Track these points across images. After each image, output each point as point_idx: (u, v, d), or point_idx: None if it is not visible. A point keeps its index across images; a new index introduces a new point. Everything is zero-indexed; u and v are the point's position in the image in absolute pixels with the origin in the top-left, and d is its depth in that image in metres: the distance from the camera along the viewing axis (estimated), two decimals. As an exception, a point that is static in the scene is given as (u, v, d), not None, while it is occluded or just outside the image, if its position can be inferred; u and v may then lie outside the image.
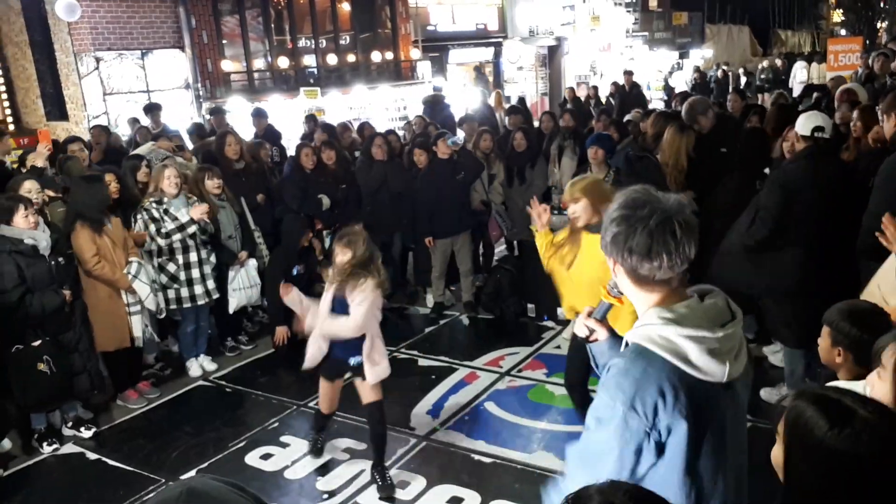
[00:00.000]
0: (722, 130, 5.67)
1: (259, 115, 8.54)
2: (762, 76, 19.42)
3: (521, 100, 14.02)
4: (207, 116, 10.25)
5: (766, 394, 4.67)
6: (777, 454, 1.54)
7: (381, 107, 12.16)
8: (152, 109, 8.64)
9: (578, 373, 3.93)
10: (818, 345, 2.60)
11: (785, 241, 4.25)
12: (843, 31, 33.72)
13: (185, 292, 5.34)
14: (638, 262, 1.64)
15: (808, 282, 4.23)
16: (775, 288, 4.40)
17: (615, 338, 1.94)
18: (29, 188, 4.88)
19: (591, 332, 1.96)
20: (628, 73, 14.23)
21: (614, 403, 1.62)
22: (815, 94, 8.15)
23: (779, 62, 20.61)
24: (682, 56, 23.94)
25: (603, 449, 1.64)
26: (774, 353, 5.16)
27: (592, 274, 3.42)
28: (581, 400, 3.99)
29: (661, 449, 1.63)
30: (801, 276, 4.26)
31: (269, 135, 8.07)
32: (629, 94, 13.38)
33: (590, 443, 1.69)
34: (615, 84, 14.29)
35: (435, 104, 9.87)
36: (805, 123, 4.27)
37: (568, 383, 4.14)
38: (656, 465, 1.65)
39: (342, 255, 3.78)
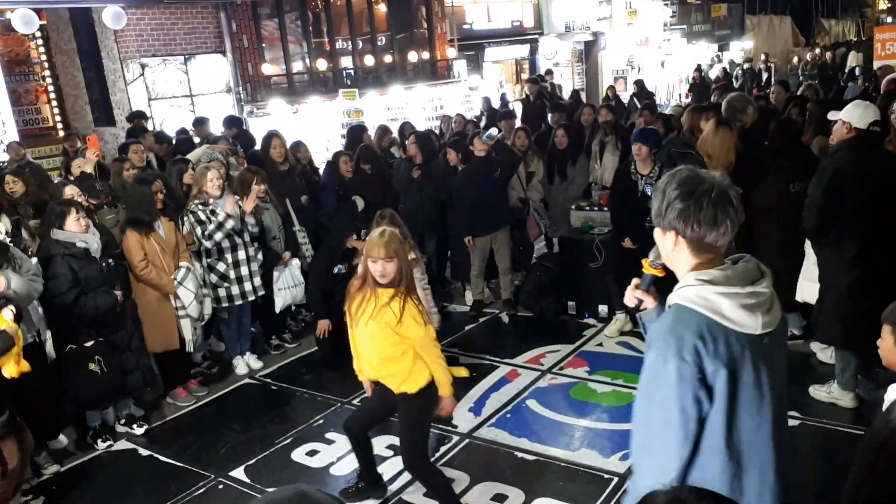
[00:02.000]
0: (764, 124, 5.58)
1: (231, 123, 8.46)
2: (805, 71, 18.73)
3: (575, 93, 14.06)
4: (250, 121, 10.44)
5: (814, 391, 4.58)
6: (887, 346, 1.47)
7: (418, 106, 12.22)
8: (200, 123, 8.72)
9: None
10: (876, 346, 2.55)
11: (841, 236, 4.16)
12: (889, 19, 32.72)
13: (235, 290, 5.47)
14: (706, 231, 1.82)
15: (864, 279, 4.14)
16: (830, 285, 4.32)
17: (661, 306, 2.08)
18: (70, 193, 5.04)
19: (640, 302, 2.15)
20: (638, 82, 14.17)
21: (665, 359, 1.76)
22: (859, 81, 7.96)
23: (829, 55, 19.95)
24: (721, 49, 23.49)
25: (666, 408, 1.77)
26: (823, 350, 5.05)
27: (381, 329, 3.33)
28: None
29: (710, 395, 1.77)
30: (856, 274, 4.17)
31: (244, 141, 7.90)
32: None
33: (652, 412, 1.81)
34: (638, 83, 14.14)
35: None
36: (862, 116, 4.18)
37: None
38: (710, 415, 1.79)
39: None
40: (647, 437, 1.84)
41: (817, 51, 20.45)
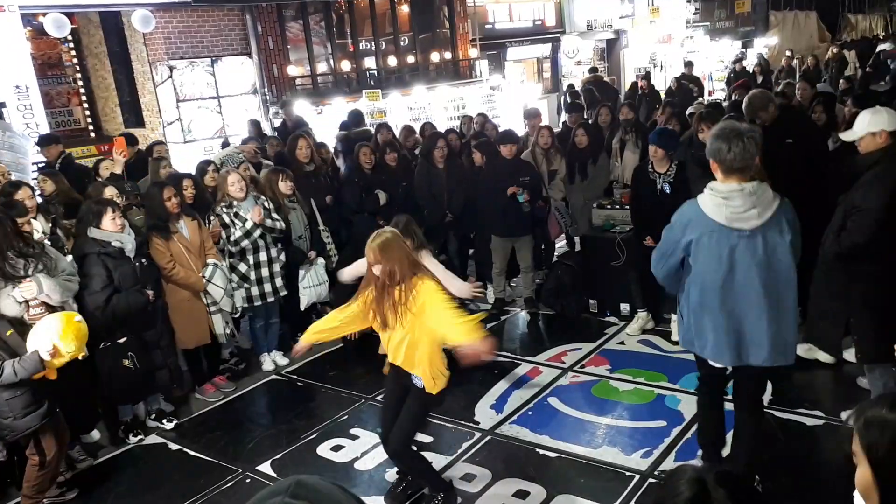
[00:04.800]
0: (786, 121, 5.56)
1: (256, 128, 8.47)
2: (830, 70, 18.34)
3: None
4: (275, 122, 10.59)
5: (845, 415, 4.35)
6: (862, 475, 1.44)
7: (441, 106, 12.29)
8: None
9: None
10: None
11: (881, 248, 3.94)
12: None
13: (255, 291, 5.58)
14: (732, 160, 3.16)
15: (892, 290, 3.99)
16: (871, 300, 4.06)
17: None
18: (110, 194, 5.18)
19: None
20: (645, 77, 14.12)
21: (674, 219, 3.42)
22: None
23: (849, 54, 19.63)
24: (745, 45, 23.24)
25: (664, 238, 3.48)
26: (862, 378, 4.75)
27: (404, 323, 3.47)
28: None
29: (687, 252, 3.35)
30: (887, 286, 3.99)
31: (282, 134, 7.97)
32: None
33: (662, 241, 3.51)
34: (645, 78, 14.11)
35: None
36: (890, 118, 4.00)
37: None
38: (687, 262, 3.38)
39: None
40: (662, 241, 3.50)
41: (834, 49, 20.17)
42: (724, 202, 3.17)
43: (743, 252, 3.19)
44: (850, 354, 4.93)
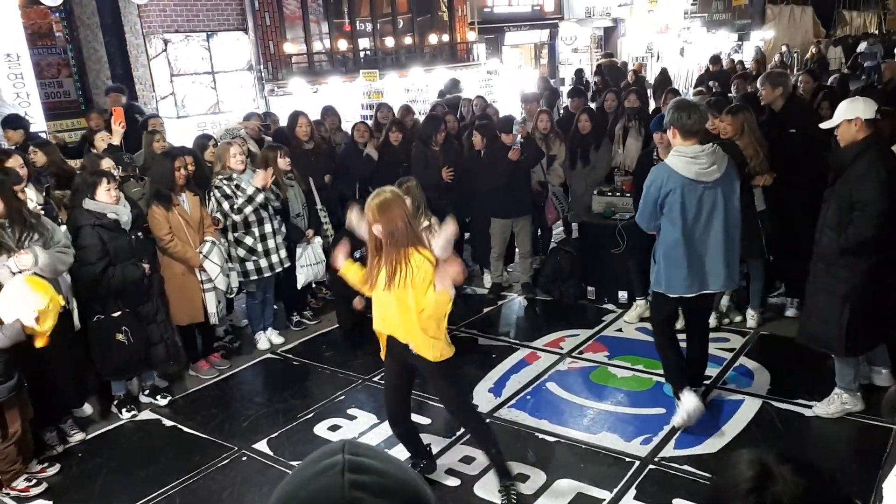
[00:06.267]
0: (791, 111, 5.54)
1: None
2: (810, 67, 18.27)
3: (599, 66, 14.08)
4: (270, 99, 10.46)
5: (822, 410, 4.33)
6: None
7: (437, 89, 12.17)
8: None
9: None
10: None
11: (887, 236, 3.93)
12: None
13: (263, 262, 5.53)
14: (691, 125, 3.94)
15: (872, 284, 4.01)
16: (867, 291, 4.05)
17: None
18: (108, 166, 5.09)
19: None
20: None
21: (649, 181, 4.05)
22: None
23: (835, 50, 19.69)
24: (741, 38, 23.27)
25: (643, 198, 4.09)
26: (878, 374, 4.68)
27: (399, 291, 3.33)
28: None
29: (661, 208, 4.01)
30: (867, 280, 4.00)
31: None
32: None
33: (641, 200, 4.14)
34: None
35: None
36: (867, 106, 3.98)
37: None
38: (664, 209, 4.01)
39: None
40: (641, 205, 4.15)
41: (813, 49, 20.26)
42: (693, 160, 3.93)
43: (707, 200, 3.98)
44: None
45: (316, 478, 0.82)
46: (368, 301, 3.80)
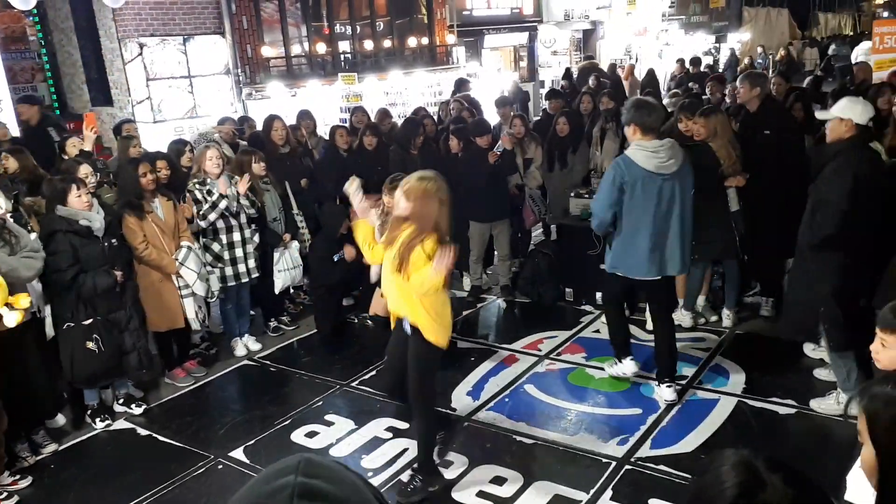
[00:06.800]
0: (766, 112, 5.59)
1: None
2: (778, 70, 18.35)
3: (568, 70, 14.10)
4: (248, 104, 10.40)
5: (820, 405, 4.39)
6: (867, 455, 1.41)
7: (417, 92, 12.18)
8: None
9: None
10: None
11: (853, 236, 3.98)
12: (885, 14, 32.73)
13: (229, 271, 5.46)
14: (651, 122, 4.27)
15: (857, 280, 4.05)
16: (841, 290, 4.10)
17: None
18: (85, 172, 5.03)
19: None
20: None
21: (609, 174, 4.30)
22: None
23: (812, 51, 19.96)
24: (718, 40, 23.49)
25: (602, 187, 4.35)
26: (814, 349, 5.00)
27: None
28: None
29: (622, 193, 4.24)
30: (851, 274, 4.05)
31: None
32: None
33: (598, 194, 4.43)
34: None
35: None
36: (864, 112, 4.06)
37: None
38: (624, 202, 4.26)
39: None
40: (600, 194, 4.38)
41: (783, 51, 20.51)
42: (653, 154, 4.23)
43: (666, 191, 4.26)
44: (807, 349, 5.06)
45: (265, 501, 0.79)
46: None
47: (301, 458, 0.83)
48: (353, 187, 3.85)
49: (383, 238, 3.73)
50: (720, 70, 15.87)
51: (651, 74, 13.18)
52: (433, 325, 3.61)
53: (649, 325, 5.63)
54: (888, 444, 1.36)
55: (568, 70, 14.97)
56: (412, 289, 3.52)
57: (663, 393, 4.59)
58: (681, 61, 14.27)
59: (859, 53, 16.26)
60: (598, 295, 6.27)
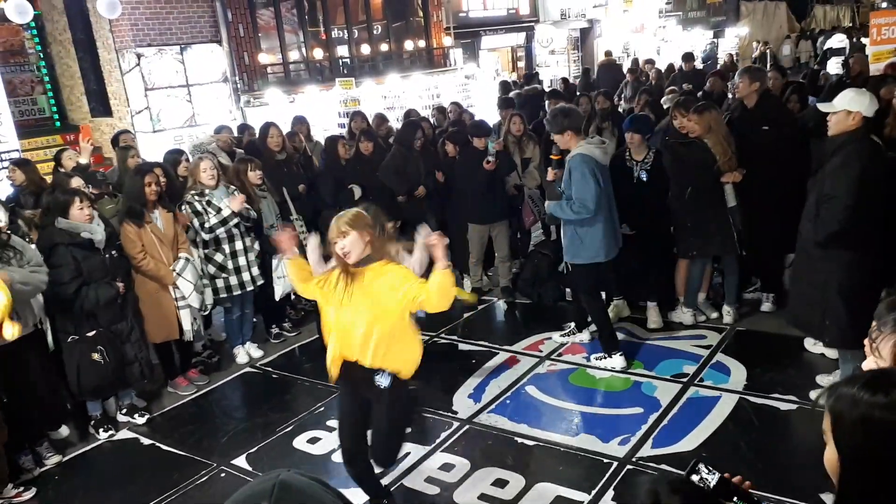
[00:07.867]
0: (764, 107, 5.58)
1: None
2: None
3: (564, 80, 14.05)
4: (247, 111, 10.43)
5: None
6: (829, 454, 1.42)
7: (415, 95, 12.20)
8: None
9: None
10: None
11: (859, 231, 3.95)
12: (884, 4, 32.60)
13: (233, 280, 5.48)
14: (580, 124, 4.99)
15: (868, 275, 4.04)
16: (847, 286, 4.07)
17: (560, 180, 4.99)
18: (77, 185, 5.05)
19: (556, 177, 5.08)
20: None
21: (583, 169, 4.71)
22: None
23: (806, 43, 19.92)
24: (716, 35, 23.47)
25: (586, 182, 4.70)
26: (815, 344, 4.98)
27: (372, 309, 3.21)
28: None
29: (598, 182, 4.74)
30: (865, 270, 4.03)
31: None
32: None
33: (584, 185, 4.72)
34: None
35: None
36: (871, 104, 4.01)
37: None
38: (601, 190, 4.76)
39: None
40: (580, 191, 4.72)
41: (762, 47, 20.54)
42: (601, 147, 4.89)
43: (606, 180, 4.88)
44: (807, 343, 5.06)
45: None
46: None
47: (276, 482, 0.83)
48: (312, 244, 3.67)
49: (338, 286, 3.32)
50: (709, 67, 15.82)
51: (657, 72, 13.24)
52: (414, 352, 3.38)
53: (650, 324, 5.66)
54: (850, 446, 1.36)
55: (587, 70, 14.96)
56: (433, 305, 3.18)
57: (614, 360, 5.10)
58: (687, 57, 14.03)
59: (833, 44, 16.39)
60: (568, 291, 6.23)
